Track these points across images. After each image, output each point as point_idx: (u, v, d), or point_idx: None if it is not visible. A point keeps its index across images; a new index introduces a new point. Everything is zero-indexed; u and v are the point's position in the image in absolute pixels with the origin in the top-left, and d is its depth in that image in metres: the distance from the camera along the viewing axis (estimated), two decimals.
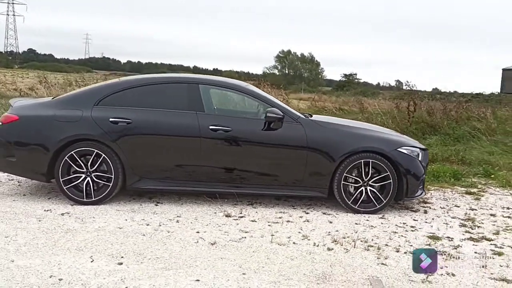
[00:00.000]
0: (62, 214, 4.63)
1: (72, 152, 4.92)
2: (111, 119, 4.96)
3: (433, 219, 5.04)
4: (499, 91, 46.77)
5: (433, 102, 13.04)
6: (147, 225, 4.42)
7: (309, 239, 4.21)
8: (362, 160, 5.04)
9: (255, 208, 5.13)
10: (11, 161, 5.04)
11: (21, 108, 5.18)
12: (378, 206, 5.10)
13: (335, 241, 4.17)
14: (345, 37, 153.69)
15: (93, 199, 4.97)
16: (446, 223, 4.91)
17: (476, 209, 5.52)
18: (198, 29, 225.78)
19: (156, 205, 5.10)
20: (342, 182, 5.06)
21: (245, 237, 4.19)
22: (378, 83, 73.64)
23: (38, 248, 3.72)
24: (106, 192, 4.99)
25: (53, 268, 3.36)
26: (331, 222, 4.75)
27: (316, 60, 66.45)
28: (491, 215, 5.31)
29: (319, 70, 66.61)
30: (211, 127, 5.00)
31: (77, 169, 4.96)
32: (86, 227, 4.29)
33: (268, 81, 24.44)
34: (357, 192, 5.09)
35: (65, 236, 4.03)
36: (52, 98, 5.56)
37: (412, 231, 4.60)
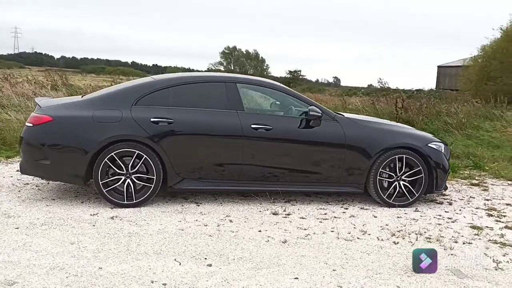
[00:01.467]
0: (112, 218, 4.49)
1: (113, 154, 4.77)
2: (152, 119, 4.86)
3: (460, 210, 5.34)
4: (434, 87, 49.34)
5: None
6: (205, 225, 4.39)
7: (369, 234, 4.35)
8: (397, 156, 5.25)
9: (294, 205, 5.21)
10: (43, 164, 4.80)
11: (52, 108, 4.95)
12: (410, 200, 5.33)
13: (393, 235, 4.34)
14: (288, 35, 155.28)
15: (134, 201, 4.85)
16: (475, 214, 5.22)
17: (490, 199, 5.89)
18: (136, 24, 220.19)
19: (198, 205, 5.05)
20: (378, 177, 5.25)
21: (309, 234, 4.26)
22: (317, 80, 75.52)
23: (115, 254, 3.61)
24: (148, 194, 4.88)
25: (148, 273, 3.28)
26: (375, 217, 4.92)
27: (261, 57, 67.15)
28: (507, 204, 5.70)
29: (264, 67, 67.24)
30: (253, 126, 5.02)
31: (117, 170, 4.82)
32: (146, 230, 4.20)
33: None
34: (391, 187, 5.30)
35: (132, 239, 3.93)
36: (82, 97, 5.34)
37: (452, 222, 4.87)
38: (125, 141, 4.81)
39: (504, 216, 5.18)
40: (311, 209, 5.08)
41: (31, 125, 4.84)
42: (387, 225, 4.65)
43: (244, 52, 67.06)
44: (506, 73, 28.04)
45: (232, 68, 65.79)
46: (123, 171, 4.82)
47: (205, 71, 63.63)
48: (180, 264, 3.46)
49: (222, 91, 5.16)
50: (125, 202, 4.84)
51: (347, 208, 5.19)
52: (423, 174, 5.30)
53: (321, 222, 4.67)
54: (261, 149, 5.06)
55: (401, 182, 5.31)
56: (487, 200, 5.87)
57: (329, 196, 5.60)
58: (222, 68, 65.71)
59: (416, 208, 5.30)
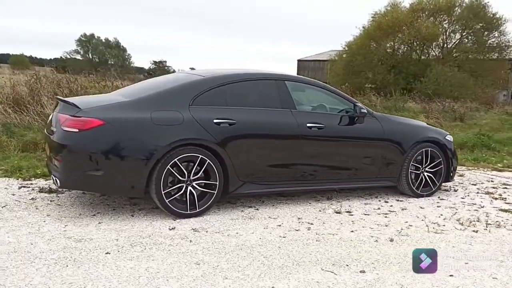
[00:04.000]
0: (196, 231, 4.07)
1: (176, 159, 4.30)
2: (215, 120, 4.49)
3: (476, 195, 5.90)
4: None
5: None
6: (296, 230, 4.22)
7: (444, 226, 4.58)
8: (423, 149, 5.62)
9: (346, 202, 5.26)
10: (94, 176, 4.13)
11: (100, 110, 4.25)
12: (433, 189, 5.76)
13: (461, 224, 4.66)
14: (150, 23, 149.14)
15: (197, 210, 4.45)
16: (494, 198, 5.77)
17: (491, 182, 6.63)
18: None
19: (257, 210, 4.82)
20: (409, 169, 5.57)
21: (398, 230, 4.36)
22: (174, 70, 74.89)
23: (257, 270, 3.30)
24: (211, 201, 4.52)
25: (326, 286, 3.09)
26: (422, 208, 5.21)
27: (122, 46, 64.01)
28: (505, 187, 6.44)
29: (126, 56, 64.32)
30: (308, 124, 4.94)
31: (180, 178, 4.36)
32: (248, 240, 3.89)
33: (70, 66, 22.90)
34: (419, 178, 5.66)
35: (250, 253, 3.61)
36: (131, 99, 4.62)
37: (482, 207, 5.37)
38: (188, 145, 4.37)
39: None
40: (363, 205, 5.18)
41: (75, 130, 4.10)
42: (441, 215, 4.95)
43: (104, 41, 63.28)
44: (368, 68, 31.14)
45: (91, 57, 61.71)
46: (184, 178, 4.37)
47: (59, 59, 58.55)
48: (336, 274, 3.32)
49: (274, 89, 4.97)
50: (188, 212, 4.41)
51: (386, 202, 5.41)
52: (443, 165, 5.76)
53: (386, 217, 4.80)
54: (315, 148, 5.01)
55: (426, 174, 5.70)
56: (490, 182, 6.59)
57: (362, 191, 5.73)
58: (79, 57, 61.21)
59: (438, 197, 5.74)
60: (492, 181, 6.88)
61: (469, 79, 29.15)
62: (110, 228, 4.03)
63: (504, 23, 32.72)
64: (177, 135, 4.31)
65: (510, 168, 8.14)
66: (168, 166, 4.26)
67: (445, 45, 34.53)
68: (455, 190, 6.17)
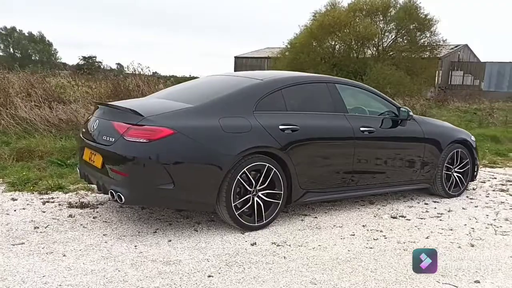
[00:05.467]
0: (278, 245, 3.82)
1: (245, 169, 4.02)
2: (280, 126, 4.25)
3: (495, 193, 6.09)
4: None
5: None
6: (375, 239, 4.09)
7: (501, 226, 4.62)
8: (455, 150, 5.71)
9: (389, 205, 5.20)
10: (165, 190, 3.76)
11: (168, 117, 3.86)
12: (462, 189, 5.88)
13: None
14: (77, 19, 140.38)
15: (264, 221, 4.21)
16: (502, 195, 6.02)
17: (495, 179, 6.87)
18: None
19: (315, 218, 4.64)
20: (444, 171, 5.64)
21: (467, 234, 4.35)
22: (111, 67, 71.96)
23: (391, 284, 3.15)
24: (276, 211, 4.29)
25: None
26: (465, 209, 5.27)
27: (48, 40, 60.28)
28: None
29: (52, 52, 60.62)
30: (361, 128, 4.83)
31: (249, 188, 4.09)
32: (336, 254, 3.70)
33: None
34: (450, 179, 5.74)
35: (356, 269, 3.45)
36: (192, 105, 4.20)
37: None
38: (256, 153, 4.10)
39: None
40: (406, 208, 5.15)
41: (144, 140, 3.70)
42: (487, 215, 5.01)
43: (27, 35, 59.28)
44: (312, 66, 31.66)
45: (12, 51, 57.67)
46: (251, 188, 4.11)
47: None
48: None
49: (326, 92, 4.80)
50: (256, 224, 4.15)
51: (426, 204, 5.42)
52: (470, 165, 5.89)
53: (441, 220, 4.80)
54: (367, 152, 4.91)
55: (455, 174, 5.79)
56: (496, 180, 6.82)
57: (384, 195, 5.69)
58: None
59: (467, 196, 5.86)
60: (494, 178, 7.15)
61: (406, 77, 30.52)
62: (187, 247, 3.68)
63: (435, 24, 34.57)
64: (247, 143, 4.03)
65: (496, 164, 8.50)
66: (238, 177, 3.97)
67: (381, 44, 35.88)
68: (474, 189, 6.33)
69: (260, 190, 4.15)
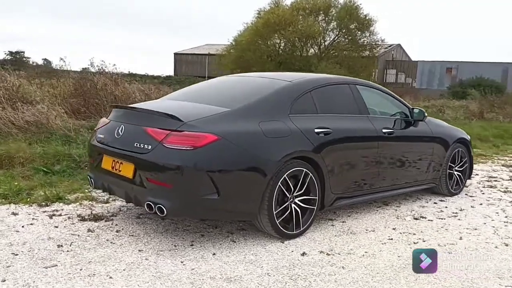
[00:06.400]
0: (327, 254, 3.68)
1: (285, 175, 3.85)
2: (316, 130, 4.11)
3: (486, 189, 6.31)
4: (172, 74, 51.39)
5: None
6: (415, 243, 4.07)
7: None
8: (456, 149, 5.84)
9: (404, 206, 5.21)
10: (211, 200, 3.50)
11: (209, 122, 3.59)
12: (461, 187, 6.02)
13: None
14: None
15: (301, 229, 4.06)
16: (503, 192, 6.21)
17: (478, 176, 7.11)
18: None
19: (343, 222, 4.55)
20: (448, 170, 5.74)
21: (495, 233, 4.40)
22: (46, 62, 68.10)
23: None
24: (311, 218, 4.15)
25: None
26: (473, 207, 5.38)
27: None
28: (496, 180, 6.99)
29: None
30: (383, 130, 4.80)
31: (288, 194, 3.92)
32: (390, 261, 3.61)
33: None
34: (452, 178, 5.86)
35: (426, 278, 3.39)
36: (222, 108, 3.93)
37: None
38: (295, 158, 3.93)
39: None
40: (421, 209, 5.17)
41: (188, 148, 3.42)
42: (497, 213, 5.13)
43: None
44: (259, 64, 31.75)
45: None
46: (289, 195, 3.94)
47: None
48: None
49: (350, 93, 4.72)
50: (294, 232, 3.99)
51: (435, 203, 5.48)
52: (468, 164, 6.05)
53: (459, 219, 4.85)
54: (389, 154, 4.88)
55: (456, 173, 5.93)
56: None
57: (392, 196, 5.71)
58: None
59: (466, 193, 6.02)
60: (477, 174, 7.40)
61: (349, 75, 31.34)
62: (237, 260, 3.45)
63: (373, 24, 35.80)
64: (288, 148, 3.85)
65: None
66: (279, 183, 3.79)
67: (323, 43, 36.64)
68: (466, 186, 6.50)
69: (296, 197, 3.98)
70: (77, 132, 7.66)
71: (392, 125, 4.96)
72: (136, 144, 3.60)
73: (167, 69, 66.09)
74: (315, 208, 4.11)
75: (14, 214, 4.27)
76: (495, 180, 6.99)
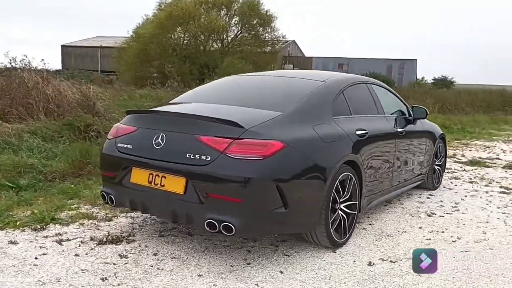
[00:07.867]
0: (391, 261, 3.55)
1: (337, 181, 3.65)
2: (357, 132, 3.96)
3: (468, 183, 6.64)
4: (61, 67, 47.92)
5: None
6: (453, 242, 4.10)
7: None
8: (438, 145, 6.07)
9: (407, 203, 5.27)
10: (278, 214, 3.18)
11: (273, 129, 3.24)
12: (440, 180, 6.27)
13: None
14: None
15: (347, 236, 3.89)
16: (486, 185, 6.54)
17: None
18: None
19: (371, 224, 4.46)
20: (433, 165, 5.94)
21: (507, 225, 4.62)
22: None
23: None
24: (354, 223, 4.00)
25: None
26: (463, 200, 5.61)
27: None
28: (469, 172, 7.41)
29: None
30: (398, 129, 4.80)
31: (338, 201, 3.73)
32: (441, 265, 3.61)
33: None
34: (434, 172, 6.07)
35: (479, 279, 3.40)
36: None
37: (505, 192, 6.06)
38: (344, 163, 3.74)
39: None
40: (423, 205, 5.26)
41: (258, 158, 3.06)
42: (499, 207, 5.28)
43: None
44: (163, 57, 30.75)
45: None
46: (337, 202, 3.75)
47: None
48: None
49: (368, 93, 4.63)
50: (342, 240, 3.81)
51: (428, 198, 5.63)
52: (444, 158, 6.33)
53: (464, 213, 4.99)
54: (402, 152, 4.90)
55: (436, 167, 6.16)
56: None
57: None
58: None
59: (444, 186, 6.28)
60: (450, 167, 7.75)
61: (255, 70, 31.70)
62: (310, 278, 3.17)
63: (274, 20, 36.50)
64: (340, 152, 3.66)
65: None
66: (333, 191, 3.57)
67: (226, 38, 36.55)
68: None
69: (342, 203, 3.79)
70: (19, 138, 6.70)
71: (402, 123, 4.97)
72: (189, 155, 3.14)
73: (52, 63, 61.39)
74: (356, 213, 3.95)
75: (13, 243, 3.54)
76: (453, 172, 7.39)
